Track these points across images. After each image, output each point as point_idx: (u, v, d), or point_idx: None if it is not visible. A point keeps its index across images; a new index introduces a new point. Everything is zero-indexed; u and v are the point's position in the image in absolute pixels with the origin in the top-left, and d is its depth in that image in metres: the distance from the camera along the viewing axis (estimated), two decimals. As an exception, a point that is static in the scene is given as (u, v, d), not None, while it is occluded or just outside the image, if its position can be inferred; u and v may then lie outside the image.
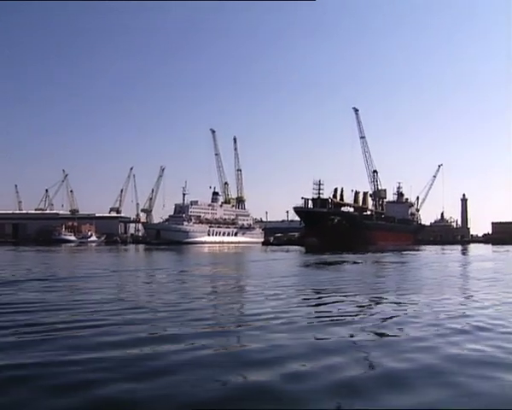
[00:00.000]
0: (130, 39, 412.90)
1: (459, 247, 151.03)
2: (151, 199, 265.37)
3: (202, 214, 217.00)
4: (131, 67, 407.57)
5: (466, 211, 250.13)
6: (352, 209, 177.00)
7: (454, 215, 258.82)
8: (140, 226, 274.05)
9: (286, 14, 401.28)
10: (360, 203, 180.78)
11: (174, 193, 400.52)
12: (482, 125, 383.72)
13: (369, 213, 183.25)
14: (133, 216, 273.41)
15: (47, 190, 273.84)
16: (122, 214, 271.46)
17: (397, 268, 46.34)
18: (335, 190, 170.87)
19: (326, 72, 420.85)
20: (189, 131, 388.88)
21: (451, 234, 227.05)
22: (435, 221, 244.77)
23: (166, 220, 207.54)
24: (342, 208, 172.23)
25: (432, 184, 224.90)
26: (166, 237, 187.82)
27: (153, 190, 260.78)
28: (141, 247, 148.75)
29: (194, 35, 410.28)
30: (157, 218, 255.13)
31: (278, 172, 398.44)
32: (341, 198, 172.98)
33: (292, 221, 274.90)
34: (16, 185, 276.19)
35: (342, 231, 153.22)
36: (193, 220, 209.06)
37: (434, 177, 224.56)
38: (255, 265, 53.12)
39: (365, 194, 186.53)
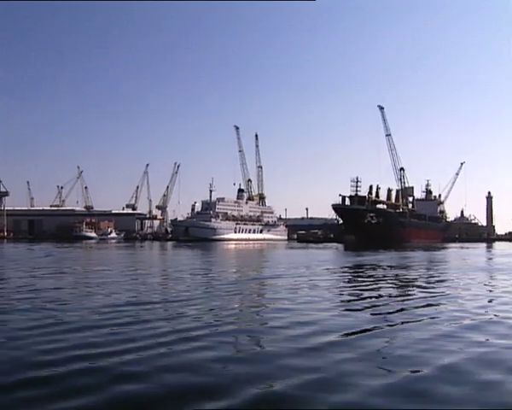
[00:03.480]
0: (150, 35, 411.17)
1: (492, 245, 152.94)
2: (165, 196, 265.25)
3: (229, 211, 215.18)
4: (147, 63, 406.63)
5: (491, 209, 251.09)
6: (385, 207, 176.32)
7: (476, 213, 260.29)
8: (153, 223, 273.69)
9: (299, 10, 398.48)
10: (393, 201, 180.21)
11: (189, 190, 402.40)
12: (505, 122, 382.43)
13: (401, 210, 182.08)
14: (147, 213, 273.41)
15: (62, 187, 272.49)
16: (138, 211, 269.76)
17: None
18: (370, 187, 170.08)
19: (351, 69, 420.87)
20: (207, 128, 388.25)
21: (477, 232, 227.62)
22: (455, 219, 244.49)
23: (193, 217, 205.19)
24: (377, 206, 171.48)
25: (454, 182, 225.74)
26: (194, 234, 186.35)
27: (168, 187, 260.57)
28: (162, 243, 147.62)
29: (214, 32, 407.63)
30: (172, 215, 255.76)
31: (296, 170, 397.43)
32: (377, 195, 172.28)
33: (311, 218, 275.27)
34: (28, 182, 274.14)
35: (379, 229, 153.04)
36: (220, 217, 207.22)
37: (457, 174, 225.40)
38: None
39: (398, 191, 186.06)
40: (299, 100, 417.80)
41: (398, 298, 21.44)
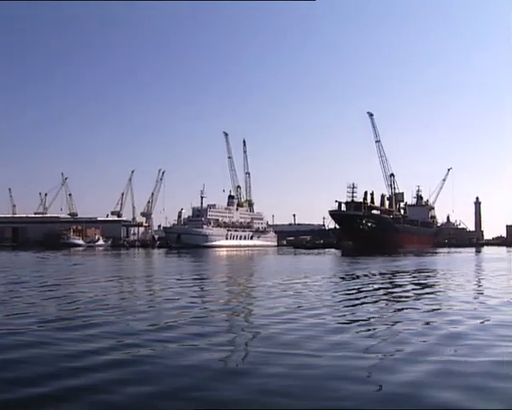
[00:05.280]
0: (136, 43, 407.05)
1: (481, 249, 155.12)
2: (149, 202, 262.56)
3: (220, 218, 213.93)
4: (133, 69, 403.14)
5: (479, 214, 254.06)
6: (378, 212, 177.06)
7: (463, 218, 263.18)
8: (137, 230, 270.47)
9: (294, 14, 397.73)
10: (387, 207, 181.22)
11: (172, 197, 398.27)
12: (493, 128, 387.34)
13: (395, 216, 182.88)
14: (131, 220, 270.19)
15: (46, 194, 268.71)
16: (124, 218, 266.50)
17: None
18: (365, 193, 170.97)
19: (337, 75, 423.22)
20: (192, 134, 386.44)
21: (466, 237, 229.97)
22: (441, 224, 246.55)
23: (185, 224, 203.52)
24: (372, 212, 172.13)
25: (441, 188, 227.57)
26: (186, 241, 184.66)
27: (152, 194, 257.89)
28: (148, 251, 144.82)
29: (202, 36, 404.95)
30: (157, 222, 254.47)
31: (283, 176, 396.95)
32: (372, 201, 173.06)
33: (299, 224, 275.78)
34: (10, 189, 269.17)
35: (376, 235, 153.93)
36: (211, 224, 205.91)
37: (444, 180, 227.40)
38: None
39: (391, 197, 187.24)
40: (286, 106, 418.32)
41: None
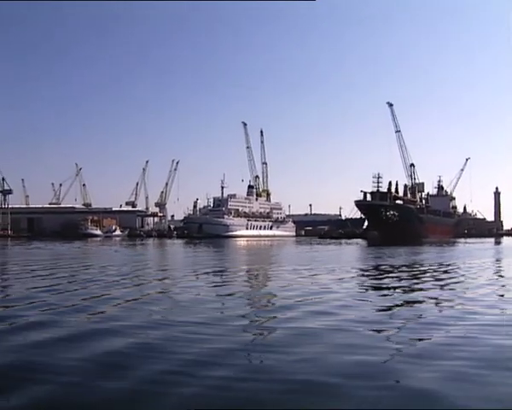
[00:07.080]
0: (150, 26, 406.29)
1: (501, 239, 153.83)
2: (163, 192, 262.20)
3: (240, 208, 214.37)
4: (149, 58, 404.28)
5: (499, 204, 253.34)
6: (402, 203, 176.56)
7: (480, 208, 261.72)
8: (151, 220, 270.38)
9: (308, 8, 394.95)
10: (409, 197, 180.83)
11: (185, 187, 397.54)
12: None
13: (417, 206, 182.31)
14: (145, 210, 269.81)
15: (60, 185, 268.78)
16: (139, 208, 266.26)
17: None
18: (390, 183, 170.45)
19: (357, 65, 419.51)
20: (207, 124, 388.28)
21: (485, 227, 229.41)
22: (458, 215, 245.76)
23: (206, 214, 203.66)
24: (396, 202, 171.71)
25: (459, 178, 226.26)
26: (208, 231, 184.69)
27: (167, 184, 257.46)
28: (164, 240, 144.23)
29: (218, 28, 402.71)
30: (170, 211, 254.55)
31: (299, 166, 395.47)
32: (396, 191, 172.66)
33: (315, 215, 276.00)
34: (23, 179, 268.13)
35: (401, 225, 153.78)
36: (232, 214, 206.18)
37: (462, 170, 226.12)
38: None
39: (413, 187, 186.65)
40: (303, 96, 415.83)
41: None
